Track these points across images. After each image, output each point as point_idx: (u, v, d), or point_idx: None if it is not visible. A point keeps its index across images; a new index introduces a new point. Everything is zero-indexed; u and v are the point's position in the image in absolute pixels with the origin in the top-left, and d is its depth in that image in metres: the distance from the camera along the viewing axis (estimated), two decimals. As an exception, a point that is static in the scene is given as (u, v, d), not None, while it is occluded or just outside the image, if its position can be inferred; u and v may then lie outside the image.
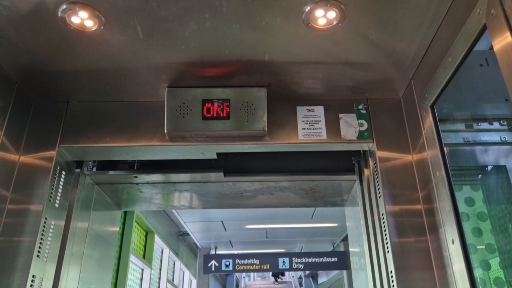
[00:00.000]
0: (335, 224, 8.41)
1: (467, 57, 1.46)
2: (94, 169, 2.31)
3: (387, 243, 1.84)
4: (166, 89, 1.98)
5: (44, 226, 1.86)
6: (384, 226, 1.87)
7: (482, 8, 1.32)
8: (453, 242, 1.56)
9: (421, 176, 1.88)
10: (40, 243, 1.83)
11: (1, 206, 1.82)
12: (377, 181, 1.96)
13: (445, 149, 1.70)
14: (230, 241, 9.54)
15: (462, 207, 1.87)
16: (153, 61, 1.82)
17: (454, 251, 1.56)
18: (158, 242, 7.11)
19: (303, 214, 7.48)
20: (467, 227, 1.84)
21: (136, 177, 2.35)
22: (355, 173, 2.26)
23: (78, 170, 2.22)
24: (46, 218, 1.88)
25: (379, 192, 1.94)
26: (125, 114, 2.06)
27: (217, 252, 10.01)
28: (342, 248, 9.27)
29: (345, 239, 9.06)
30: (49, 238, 1.91)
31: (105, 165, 2.37)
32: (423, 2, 1.51)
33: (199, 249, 9.84)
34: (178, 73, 1.92)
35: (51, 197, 1.92)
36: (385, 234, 1.86)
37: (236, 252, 10.00)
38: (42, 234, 1.85)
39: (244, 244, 9.93)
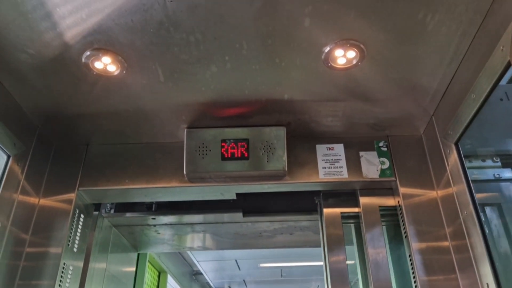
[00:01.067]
0: (352, 262, 8.23)
1: (491, 93, 1.44)
2: (112, 211, 2.29)
3: (415, 281, 1.77)
4: (185, 130, 1.98)
5: (63, 270, 1.83)
6: (412, 264, 1.81)
7: (506, 45, 1.31)
8: (488, 286, 1.48)
9: (447, 212, 1.83)
10: (59, 285, 1.80)
11: (20, 249, 1.80)
12: (402, 219, 1.91)
13: (472, 185, 1.66)
14: (244, 280, 9.31)
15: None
16: (173, 102, 1.84)
17: (489, 294, 1.49)
18: (171, 282, 6.95)
19: (319, 251, 7.32)
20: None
21: (154, 218, 2.32)
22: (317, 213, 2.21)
23: (96, 212, 2.21)
24: (64, 262, 1.85)
25: (404, 230, 1.89)
26: (144, 156, 2.06)
27: (231, 292, 9.76)
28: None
29: (362, 277, 8.79)
30: (68, 281, 1.87)
31: (123, 207, 2.35)
32: (443, 40, 1.51)
33: (212, 289, 9.61)
34: (197, 114, 1.92)
35: (69, 240, 1.90)
36: (413, 273, 1.80)
37: (250, 291, 9.74)
38: (61, 278, 1.82)
39: (259, 284, 9.68)
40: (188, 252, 7.12)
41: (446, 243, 1.81)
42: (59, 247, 1.84)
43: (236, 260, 8.14)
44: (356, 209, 2.08)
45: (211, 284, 9.43)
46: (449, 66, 1.63)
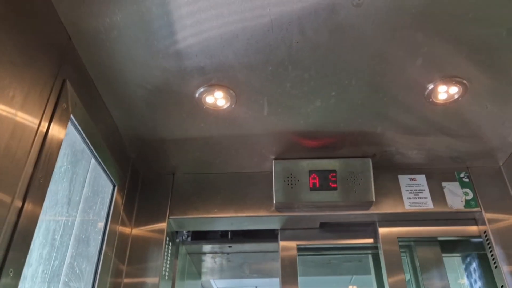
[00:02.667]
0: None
1: None
2: (189, 238, 2.33)
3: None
4: (273, 161, 2.05)
5: (159, 300, 1.86)
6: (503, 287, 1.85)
7: None
8: None
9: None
10: (158, 315, 1.83)
11: (119, 280, 1.84)
12: (489, 245, 1.95)
13: None
14: (263, 307, 9.20)
15: None
16: (268, 135, 1.90)
17: None
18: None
19: (341, 278, 7.25)
20: None
21: (230, 246, 2.35)
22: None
23: (178, 240, 2.24)
24: (161, 292, 1.88)
25: (492, 255, 1.93)
26: (231, 185, 2.12)
27: (249, 319, 9.61)
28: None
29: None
30: (162, 311, 1.90)
31: (197, 234, 2.39)
32: (544, 78, 1.59)
33: (231, 316, 9.47)
34: (287, 145, 1.99)
35: (164, 269, 1.94)
36: None
37: (269, 319, 9.59)
38: (159, 308, 1.85)
39: (278, 310, 9.56)
40: (211, 280, 7.07)
41: (536, 264, 1.85)
42: (156, 276, 1.88)
43: (256, 287, 8.06)
44: (370, 240, 2.15)
45: (229, 311, 9.30)
46: (544, 101, 1.70)
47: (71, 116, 1.38)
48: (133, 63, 1.50)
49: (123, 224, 1.89)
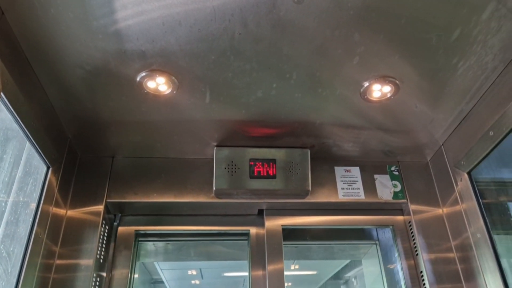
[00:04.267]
0: (314, 272, 8.43)
1: (510, 132, 1.65)
2: (127, 222, 2.31)
3: (425, 290, 1.99)
4: (215, 148, 2.07)
5: (93, 282, 1.85)
6: (422, 274, 2.01)
7: (529, 94, 1.52)
8: (498, 295, 1.69)
9: (452, 227, 2.06)
10: (91, 298, 1.82)
11: (51, 261, 1.81)
12: (412, 234, 2.12)
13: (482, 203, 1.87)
14: (205, 289, 9.30)
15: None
16: (210, 122, 1.92)
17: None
18: (137, 291, 6.83)
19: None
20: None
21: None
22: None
23: (115, 223, 2.22)
24: (95, 274, 1.87)
25: (414, 243, 2.10)
26: (171, 171, 2.12)
27: (192, 300, 9.68)
28: (320, 297, 9.24)
29: None
30: (95, 294, 1.89)
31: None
32: (468, 82, 1.71)
33: (173, 297, 9.49)
34: (229, 133, 2.01)
35: (98, 251, 1.92)
36: (423, 281, 2.00)
37: (211, 300, 9.71)
38: (91, 290, 1.84)
39: (220, 292, 9.71)
40: (155, 263, 7.05)
41: (451, 255, 2.02)
42: (90, 259, 1.86)
43: (200, 269, 8.14)
44: (245, 227, 2.22)
45: (172, 293, 9.32)
46: (468, 104, 1.84)
47: (1, 94, 1.33)
48: (71, 42, 1.46)
49: (57, 205, 1.85)
